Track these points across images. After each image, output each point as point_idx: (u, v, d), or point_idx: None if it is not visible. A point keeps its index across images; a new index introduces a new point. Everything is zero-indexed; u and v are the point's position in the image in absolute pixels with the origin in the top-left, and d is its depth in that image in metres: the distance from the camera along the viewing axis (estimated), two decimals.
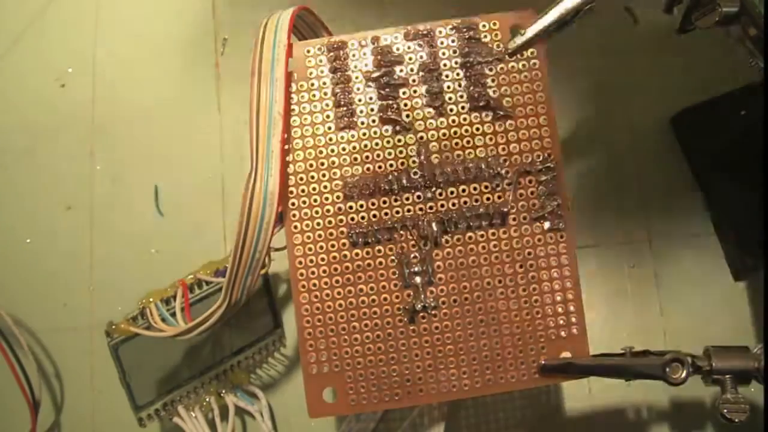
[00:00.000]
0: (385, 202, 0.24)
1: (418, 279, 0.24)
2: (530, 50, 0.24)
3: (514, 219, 0.24)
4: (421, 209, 0.24)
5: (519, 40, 0.24)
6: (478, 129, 0.24)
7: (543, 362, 0.24)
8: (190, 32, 0.36)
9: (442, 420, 0.28)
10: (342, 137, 0.24)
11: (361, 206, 0.24)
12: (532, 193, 0.24)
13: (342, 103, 0.24)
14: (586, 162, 0.33)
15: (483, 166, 0.24)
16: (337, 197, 0.24)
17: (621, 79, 0.34)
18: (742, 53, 0.27)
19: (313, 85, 0.24)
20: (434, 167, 0.24)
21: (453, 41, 0.24)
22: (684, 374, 0.23)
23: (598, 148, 0.33)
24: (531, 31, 0.24)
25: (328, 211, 0.24)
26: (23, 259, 0.33)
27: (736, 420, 0.23)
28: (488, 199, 0.24)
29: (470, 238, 0.24)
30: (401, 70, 0.24)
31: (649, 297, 0.31)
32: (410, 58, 0.24)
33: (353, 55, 0.24)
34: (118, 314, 0.30)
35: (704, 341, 0.25)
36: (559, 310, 0.24)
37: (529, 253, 0.24)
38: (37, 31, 0.36)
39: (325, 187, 0.24)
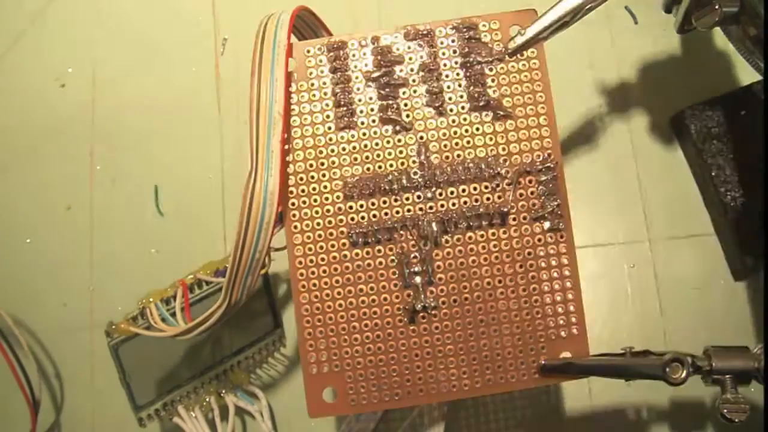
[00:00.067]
0: (385, 202, 0.24)
1: (418, 279, 0.24)
2: (530, 50, 0.24)
3: (514, 219, 0.24)
4: (421, 209, 0.24)
5: (519, 40, 0.24)
6: (478, 129, 0.24)
7: (543, 362, 0.24)
8: (190, 32, 0.36)
9: (442, 420, 0.28)
10: (342, 137, 0.24)
11: (361, 206, 0.24)
12: (532, 193, 0.24)
13: (342, 103, 0.24)
14: (586, 162, 0.33)
15: (483, 166, 0.24)
16: (337, 197, 0.24)
17: (621, 79, 0.34)
18: (742, 53, 0.27)
19: (313, 85, 0.24)
20: (434, 167, 0.24)
21: (453, 41, 0.24)
22: (684, 374, 0.23)
23: (598, 148, 0.33)
24: (531, 31, 0.24)
25: (328, 211, 0.24)
26: (23, 259, 0.33)
27: (736, 420, 0.23)
28: (488, 199, 0.24)
29: (470, 238, 0.24)
30: (401, 70, 0.24)
31: (649, 297, 0.31)
32: (410, 58, 0.24)
33: (353, 55, 0.24)
34: (118, 314, 0.30)
35: (704, 341, 0.25)
36: (559, 310, 0.24)
37: (529, 253, 0.24)
38: (37, 31, 0.36)
39: (325, 187, 0.24)
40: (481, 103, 0.24)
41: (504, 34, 0.24)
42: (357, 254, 0.24)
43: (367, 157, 0.24)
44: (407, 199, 0.24)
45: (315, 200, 0.24)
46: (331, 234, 0.24)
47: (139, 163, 0.34)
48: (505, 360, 0.24)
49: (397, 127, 0.24)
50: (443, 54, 0.24)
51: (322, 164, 0.24)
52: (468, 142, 0.24)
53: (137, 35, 0.36)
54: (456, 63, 0.24)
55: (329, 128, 0.24)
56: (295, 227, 0.24)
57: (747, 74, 0.33)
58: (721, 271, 0.32)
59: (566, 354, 0.24)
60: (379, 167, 0.24)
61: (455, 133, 0.24)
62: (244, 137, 0.34)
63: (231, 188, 0.34)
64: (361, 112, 0.24)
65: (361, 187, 0.24)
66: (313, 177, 0.24)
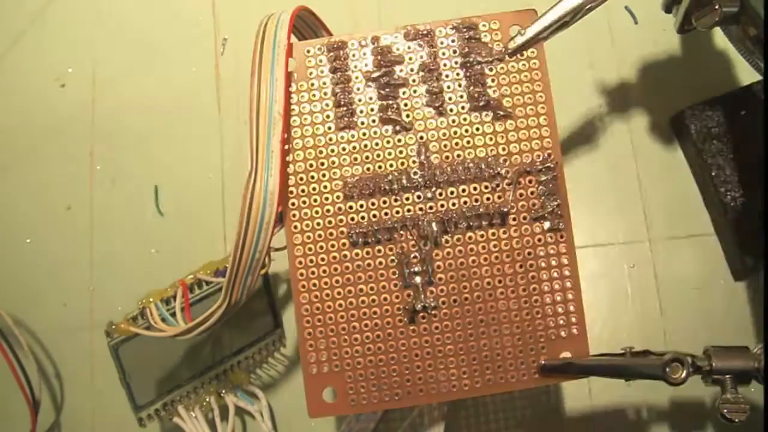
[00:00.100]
0: (385, 202, 0.24)
1: (418, 279, 0.24)
2: (530, 50, 0.24)
3: (514, 219, 0.24)
4: (421, 209, 0.24)
5: (519, 40, 0.24)
6: (478, 129, 0.24)
7: (543, 362, 0.24)
8: (190, 32, 0.36)
9: (442, 420, 0.28)
10: (342, 137, 0.24)
11: (361, 206, 0.24)
12: (532, 193, 0.24)
13: (342, 103, 0.24)
14: (586, 162, 0.33)
15: (483, 166, 0.24)
16: (337, 197, 0.24)
17: (621, 79, 0.34)
18: (742, 53, 0.27)
19: (313, 85, 0.24)
20: (434, 167, 0.24)
21: (453, 41, 0.24)
22: (684, 374, 0.23)
23: (598, 148, 0.33)
24: (531, 31, 0.24)
25: (328, 211, 0.24)
26: (23, 259, 0.33)
27: (736, 420, 0.23)
28: (488, 199, 0.24)
29: (470, 238, 0.24)
30: (401, 70, 0.24)
31: (649, 297, 0.31)
32: (410, 58, 0.24)
33: (353, 55, 0.24)
34: (118, 314, 0.30)
35: (704, 341, 0.25)
36: (559, 310, 0.24)
37: (529, 253, 0.24)
38: (37, 31, 0.36)
39: (325, 187, 0.24)
40: (481, 103, 0.24)
41: (504, 34, 0.24)
42: (357, 254, 0.24)
43: (367, 157, 0.24)
44: (407, 199, 0.24)
45: (315, 200, 0.24)
46: (331, 234, 0.24)
47: (139, 163, 0.34)
48: (505, 360, 0.24)
49: (397, 127, 0.24)
50: (443, 54, 0.24)
51: (322, 164, 0.24)
52: (468, 142, 0.24)
53: (137, 35, 0.36)
54: (456, 63, 0.24)
55: (329, 128, 0.24)
56: (295, 227, 0.24)
57: (747, 74, 0.33)
58: (721, 271, 0.32)
59: (566, 354, 0.24)
60: (379, 167, 0.24)
61: (455, 133, 0.24)
62: (244, 137, 0.34)
63: (231, 188, 0.34)
64: (361, 112, 0.24)
65: (361, 187, 0.24)
66: (313, 177, 0.24)
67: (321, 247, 0.24)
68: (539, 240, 0.24)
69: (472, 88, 0.24)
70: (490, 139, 0.24)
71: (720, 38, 0.33)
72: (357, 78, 0.24)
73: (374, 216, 0.24)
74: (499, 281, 0.24)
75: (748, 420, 0.23)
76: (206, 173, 0.34)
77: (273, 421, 0.30)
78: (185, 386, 0.29)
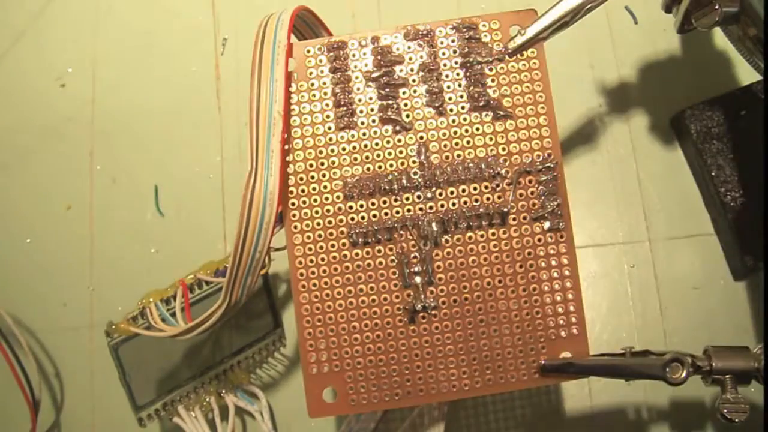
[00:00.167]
0: (385, 202, 0.24)
1: (418, 279, 0.24)
2: (530, 50, 0.24)
3: (514, 219, 0.24)
4: (421, 209, 0.24)
5: (519, 40, 0.24)
6: (478, 129, 0.24)
7: (543, 362, 0.24)
8: (190, 32, 0.36)
9: (442, 420, 0.28)
10: (342, 137, 0.24)
11: (361, 206, 0.24)
12: (532, 193, 0.24)
13: (342, 103, 0.24)
14: (586, 162, 0.33)
15: (483, 166, 0.24)
16: (337, 197, 0.24)
17: (621, 79, 0.34)
18: (742, 53, 0.27)
19: (313, 85, 0.24)
20: (434, 167, 0.24)
21: (453, 41, 0.24)
22: (684, 374, 0.23)
23: (598, 148, 0.33)
24: (531, 31, 0.24)
25: (328, 211, 0.24)
26: (23, 259, 0.33)
27: (736, 420, 0.23)
28: (488, 199, 0.24)
29: (470, 238, 0.24)
30: (401, 70, 0.24)
31: (649, 297, 0.31)
32: (410, 58, 0.24)
33: (353, 55, 0.24)
34: (118, 314, 0.30)
35: (704, 341, 0.25)
36: (559, 310, 0.24)
37: (529, 253, 0.24)
38: (37, 30, 0.36)
39: (325, 187, 0.24)
40: (481, 103, 0.24)
41: (504, 34, 0.24)
42: (357, 254, 0.24)
43: (367, 157, 0.24)
44: (407, 199, 0.24)
45: (315, 200, 0.24)
46: (331, 234, 0.24)
47: (139, 163, 0.34)
48: (505, 360, 0.24)
49: (397, 127, 0.24)
50: (443, 54, 0.24)
51: (322, 164, 0.24)
52: (468, 142, 0.24)
53: (137, 35, 0.36)
54: (456, 63, 0.24)
55: (329, 128, 0.24)
56: (295, 227, 0.24)
57: (747, 74, 0.33)
58: (721, 271, 0.32)
59: (566, 354, 0.24)
60: (379, 167, 0.24)
61: (455, 133, 0.24)
62: (244, 137, 0.34)
63: (231, 188, 0.34)
64: (361, 112, 0.24)
65: (361, 187, 0.24)
66: (313, 177, 0.24)
67: (321, 247, 0.24)
68: (539, 240, 0.24)
69: (472, 88, 0.24)
70: (490, 139, 0.24)
71: (720, 38, 0.33)
72: (357, 78, 0.24)
73: (374, 216, 0.24)
74: (499, 281, 0.24)
75: (748, 420, 0.23)
76: (206, 173, 0.34)
77: (273, 421, 0.30)
78: (185, 386, 0.29)
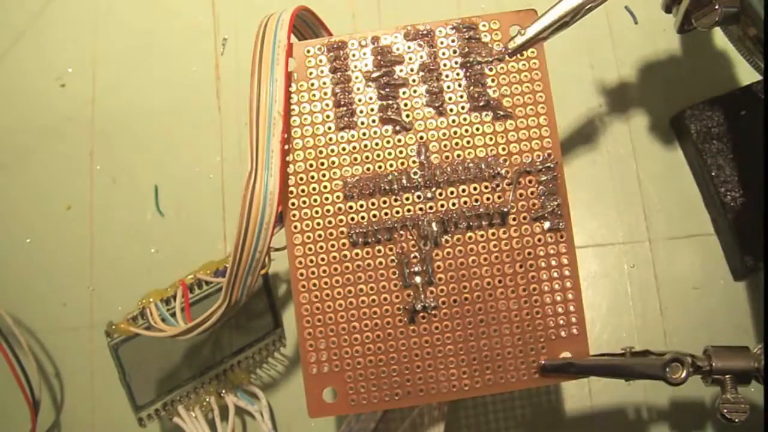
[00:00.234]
0: (385, 202, 0.24)
1: (418, 279, 0.24)
2: (530, 50, 0.24)
3: (514, 219, 0.24)
4: (421, 209, 0.24)
5: (519, 40, 0.24)
6: (478, 129, 0.24)
7: (543, 362, 0.24)
8: (190, 32, 0.36)
9: (442, 420, 0.28)
10: (342, 137, 0.24)
11: (361, 206, 0.24)
12: (532, 193, 0.24)
13: (342, 103, 0.24)
14: (586, 162, 0.33)
15: (483, 166, 0.24)
16: (337, 197, 0.24)
17: (621, 79, 0.34)
18: (742, 53, 0.27)
19: (313, 85, 0.24)
20: (434, 167, 0.24)
21: (453, 41, 0.24)
22: (684, 374, 0.23)
23: (598, 148, 0.33)
24: (531, 31, 0.24)
25: (328, 211, 0.24)
26: (23, 259, 0.33)
27: (736, 420, 0.23)
28: (488, 199, 0.24)
29: (470, 238, 0.24)
30: (401, 70, 0.24)
31: (649, 297, 0.31)
32: (410, 58, 0.24)
33: (353, 55, 0.24)
34: (118, 314, 0.30)
35: (704, 341, 0.25)
36: (559, 310, 0.24)
37: (529, 253, 0.24)
38: (37, 30, 0.36)
39: (325, 187, 0.24)
40: (481, 103, 0.24)
41: (504, 34, 0.24)
42: (357, 254, 0.24)
43: (367, 157, 0.24)
44: (407, 199, 0.24)
45: (315, 200, 0.24)
46: (331, 234, 0.24)
47: (139, 163, 0.34)
48: (505, 360, 0.24)
49: (397, 127, 0.24)
50: (443, 54, 0.24)
51: (322, 164, 0.24)
52: (468, 142, 0.24)
53: (137, 35, 0.36)
54: (456, 63, 0.24)
55: (329, 128, 0.24)
56: (295, 227, 0.24)
57: (747, 74, 0.33)
58: (721, 271, 0.32)
59: (566, 354, 0.24)
60: (379, 167, 0.24)
61: (455, 133, 0.24)
62: (244, 137, 0.34)
63: (231, 188, 0.34)
64: (361, 112, 0.24)
65: (361, 187, 0.24)
66: (313, 177, 0.24)
67: (321, 247, 0.24)
68: (539, 240, 0.24)
69: (472, 88, 0.24)
70: (490, 139, 0.24)
71: (720, 38, 0.33)
72: (357, 78, 0.24)
73: (374, 216, 0.24)
74: (499, 281, 0.24)
75: (748, 420, 0.23)
76: (206, 173, 0.34)
77: (273, 421, 0.30)
78: (185, 386, 0.29)
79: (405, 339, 0.24)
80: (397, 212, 0.24)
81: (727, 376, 0.23)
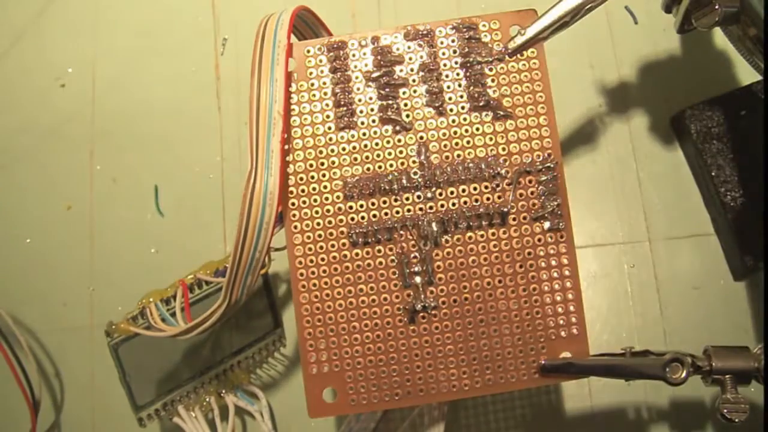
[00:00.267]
0: (385, 202, 0.24)
1: (418, 279, 0.24)
2: (530, 50, 0.24)
3: (514, 219, 0.24)
4: (421, 209, 0.24)
5: (519, 40, 0.24)
6: (478, 129, 0.24)
7: (543, 362, 0.24)
8: (190, 32, 0.36)
9: (442, 420, 0.28)
10: (342, 137, 0.24)
11: (361, 206, 0.24)
12: (532, 193, 0.24)
13: (342, 103, 0.24)
14: (586, 162, 0.33)
15: (483, 166, 0.24)
16: (337, 197, 0.24)
17: (621, 79, 0.34)
18: (742, 53, 0.27)
19: (313, 85, 0.24)
20: (434, 167, 0.24)
21: (453, 41, 0.24)
22: (684, 374, 0.23)
23: (598, 148, 0.33)
24: (531, 31, 0.24)
25: (328, 211, 0.24)
26: (23, 259, 0.33)
27: (736, 420, 0.23)
28: (488, 199, 0.24)
29: (470, 238, 0.24)
30: (401, 70, 0.24)
31: (649, 297, 0.31)
32: (410, 58, 0.24)
33: (353, 55, 0.24)
34: (118, 314, 0.30)
35: (704, 341, 0.25)
36: (559, 310, 0.24)
37: (529, 253, 0.24)
38: (38, 30, 0.36)
39: (325, 187, 0.24)
40: (481, 103, 0.24)
41: (504, 34, 0.24)
42: (357, 254, 0.24)
43: (367, 157, 0.24)
44: (407, 199, 0.24)
45: (315, 200, 0.24)
46: (331, 234, 0.24)
47: (139, 163, 0.34)
48: (505, 360, 0.24)
49: (397, 127, 0.24)
50: (443, 54, 0.24)
51: (322, 164, 0.24)
52: (468, 142, 0.24)
53: (137, 35, 0.36)
54: (456, 63, 0.24)
55: (329, 128, 0.24)
56: (295, 227, 0.24)
57: (747, 74, 0.33)
58: (721, 271, 0.32)
59: (566, 354, 0.24)
60: (379, 167, 0.24)
61: (455, 133, 0.24)
62: (244, 137, 0.34)
63: (231, 188, 0.34)
64: (361, 112, 0.24)
65: (361, 187, 0.24)
66: (313, 177, 0.24)
67: (321, 247, 0.24)
68: (539, 240, 0.24)
69: (472, 88, 0.24)
70: (490, 139, 0.24)
71: (720, 38, 0.33)
72: (357, 78, 0.24)
73: (374, 216, 0.24)
74: (499, 281, 0.24)
75: (748, 420, 0.23)
76: (206, 173, 0.34)
77: (273, 421, 0.30)
78: (185, 386, 0.29)
79: (405, 339, 0.24)
80: (397, 212, 0.24)
81: (727, 376, 0.23)
